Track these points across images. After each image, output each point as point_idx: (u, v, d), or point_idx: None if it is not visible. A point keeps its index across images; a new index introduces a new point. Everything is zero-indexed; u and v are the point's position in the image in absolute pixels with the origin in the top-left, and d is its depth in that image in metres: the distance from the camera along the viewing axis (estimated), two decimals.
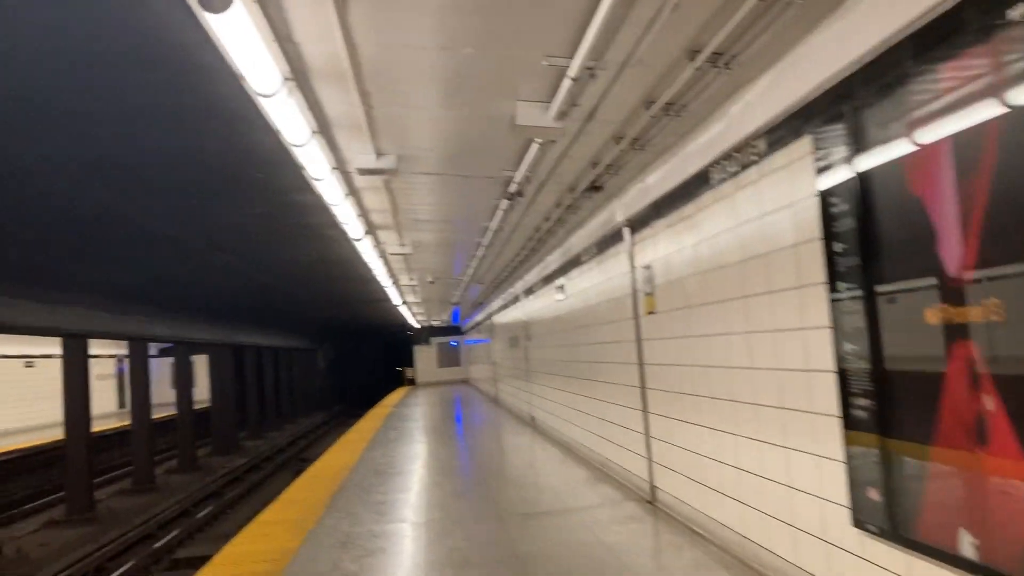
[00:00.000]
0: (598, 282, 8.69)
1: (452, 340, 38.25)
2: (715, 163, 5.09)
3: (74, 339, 12.78)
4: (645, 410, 7.12)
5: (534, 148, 5.87)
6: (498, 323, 20.68)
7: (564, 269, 10.60)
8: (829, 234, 3.78)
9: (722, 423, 5.27)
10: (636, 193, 6.85)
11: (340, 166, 6.71)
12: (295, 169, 6.59)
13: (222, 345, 22.27)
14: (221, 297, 18.31)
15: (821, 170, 3.81)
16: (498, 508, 7.41)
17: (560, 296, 11.03)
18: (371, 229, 10.03)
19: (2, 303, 10.54)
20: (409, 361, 38.86)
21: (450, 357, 38.24)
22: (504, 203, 7.94)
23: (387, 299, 21.63)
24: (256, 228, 10.25)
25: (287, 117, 4.94)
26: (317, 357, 40.89)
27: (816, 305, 3.93)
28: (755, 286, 4.61)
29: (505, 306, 18.60)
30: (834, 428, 3.85)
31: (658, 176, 6.23)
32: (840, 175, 3.65)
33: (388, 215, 9.06)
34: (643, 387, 7.14)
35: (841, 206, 3.66)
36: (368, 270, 14.16)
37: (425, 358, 38.00)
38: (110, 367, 31.76)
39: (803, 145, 3.97)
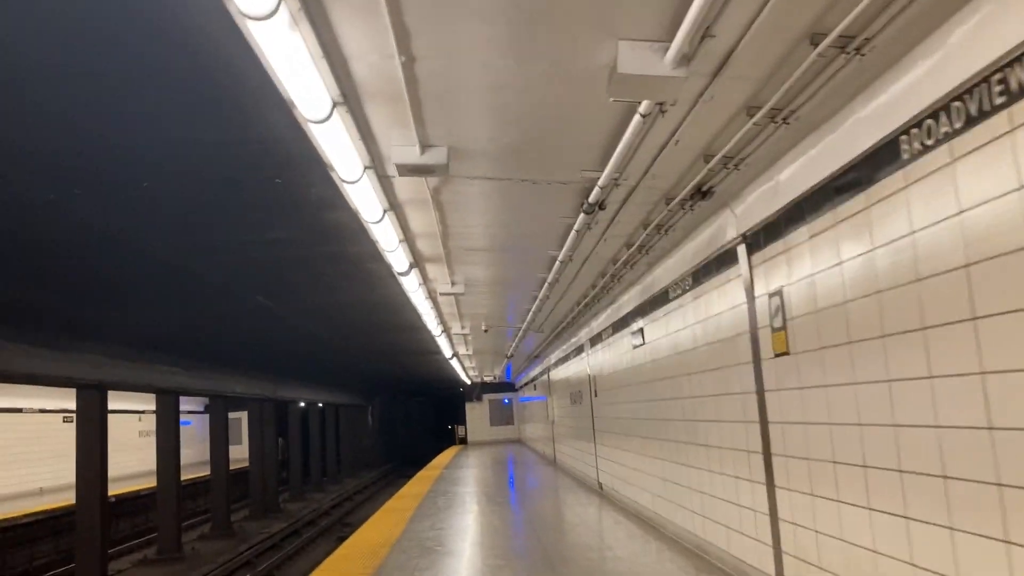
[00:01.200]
0: (694, 321, 7.04)
1: (504, 397, 36.63)
2: (912, 126, 3.48)
3: (88, 390, 11.51)
4: (771, 483, 5.39)
5: (632, 126, 4.31)
6: (557, 378, 19.00)
7: (644, 310, 8.97)
8: None
9: (925, 511, 3.55)
10: (760, 197, 5.24)
11: (376, 165, 5.25)
12: (319, 167, 5.16)
13: (263, 400, 20.93)
14: (260, 348, 17.02)
15: None
16: None
17: (638, 342, 9.39)
18: (417, 261, 8.56)
19: None
20: (460, 419, 37.25)
21: (502, 415, 36.57)
22: (579, 220, 6.39)
23: (438, 351, 20.16)
24: (288, 261, 8.86)
25: (295, 63, 3.48)
26: (367, 414, 39.46)
27: None
28: (1000, 300, 2.95)
29: (565, 358, 16.95)
30: None
31: (800, 166, 4.62)
32: None
33: (436, 242, 7.59)
34: (767, 453, 5.43)
35: None
36: (417, 316, 12.71)
37: (476, 416, 36.39)
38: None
39: None
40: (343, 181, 5.26)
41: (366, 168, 5.21)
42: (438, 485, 16.15)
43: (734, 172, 5.07)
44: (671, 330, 7.85)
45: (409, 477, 23.66)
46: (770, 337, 5.24)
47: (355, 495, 27.96)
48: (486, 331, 15.08)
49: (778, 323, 5.08)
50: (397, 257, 7.87)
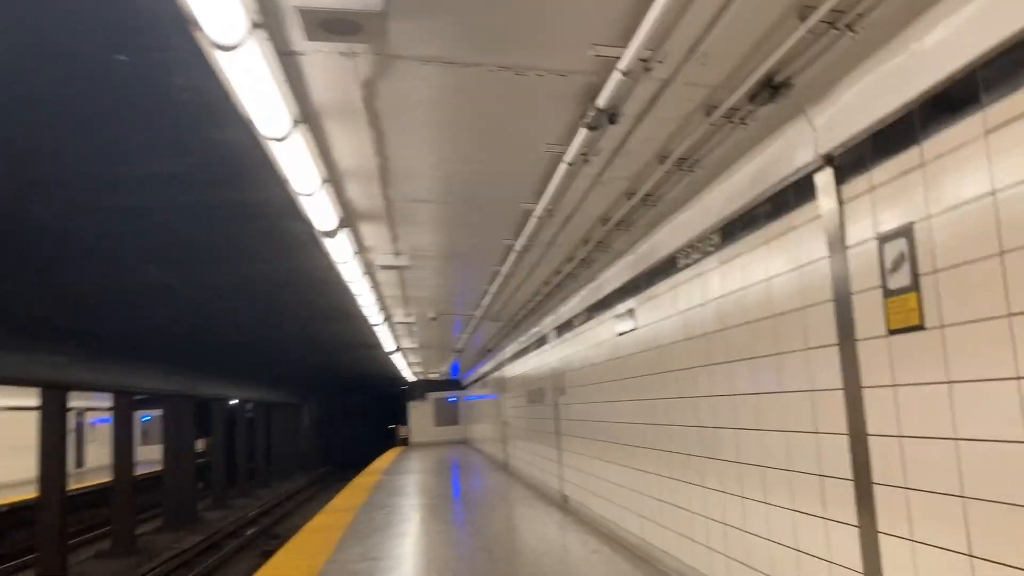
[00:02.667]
0: (720, 294, 5.21)
1: (451, 396, 34.63)
2: None
3: None
4: (868, 526, 3.57)
5: None
6: (511, 374, 17.13)
7: (637, 286, 7.13)
8: None
9: None
10: (872, 87, 3.39)
11: (268, 19, 3.27)
12: (177, 26, 3.18)
13: (179, 396, 18.59)
14: (172, 336, 14.77)
15: None
16: None
17: (625, 327, 7.55)
18: (349, 219, 6.58)
19: None
20: (403, 418, 35.14)
21: (448, 415, 34.58)
22: (576, 146, 4.49)
23: (378, 345, 18.12)
24: (176, 214, 6.80)
25: None
26: (302, 413, 37.04)
27: None
28: None
29: (523, 352, 15.07)
30: None
31: (977, 12, 2.79)
32: None
33: (373, 186, 5.64)
34: (863, 480, 3.60)
35: None
36: (351, 299, 10.69)
37: (420, 415, 34.33)
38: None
39: None
40: (217, 47, 3.27)
41: (255, 26, 3.24)
42: (375, 495, 14.13)
43: (843, 40, 3.21)
44: (679, 309, 6.01)
45: (347, 481, 21.52)
46: (880, 304, 3.40)
47: (286, 501, 25.69)
48: (434, 319, 13.13)
49: (900, 281, 3.25)
50: (320, 207, 5.87)
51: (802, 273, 4.08)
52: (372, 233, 7.16)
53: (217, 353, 18.53)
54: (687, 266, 5.80)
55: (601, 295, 8.45)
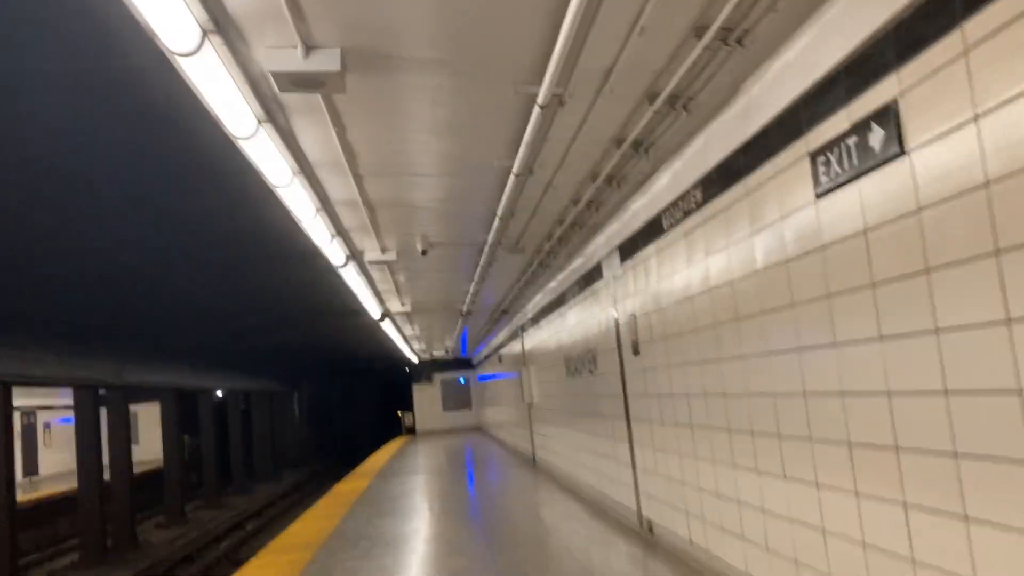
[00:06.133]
0: None
1: (460, 376, 30.28)
2: None
3: None
4: None
5: None
6: (540, 340, 12.68)
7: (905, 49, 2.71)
8: None
9: None
10: None
11: None
12: None
13: (97, 387, 14.13)
14: (73, 307, 10.38)
15: None
16: None
17: (847, 174, 3.13)
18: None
19: None
20: (409, 404, 30.84)
21: (458, 398, 30.30)
22: None
23: (360, 310, 13.77)
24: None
25: None
26: (291, 402, 32.69)
27: None
28: None
29: (557, 303, 10.63)
30: None
31: None
32: None
33: None
34: None
35: None
36: (287, 215, 6.33)
37: (426, 400, 30.07)
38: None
39: None
40: None
41: None
42: (353, 517, 9.77)
43: None
44: None
45: (340, 478, 17.12)
46: None
47: (265, 509, 21.28)
48: (424, 253, 8.63)
49: None
50: None
51: None
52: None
53: (154, 330, 14.17)
54: None
55: (752, 130, 4.00)
